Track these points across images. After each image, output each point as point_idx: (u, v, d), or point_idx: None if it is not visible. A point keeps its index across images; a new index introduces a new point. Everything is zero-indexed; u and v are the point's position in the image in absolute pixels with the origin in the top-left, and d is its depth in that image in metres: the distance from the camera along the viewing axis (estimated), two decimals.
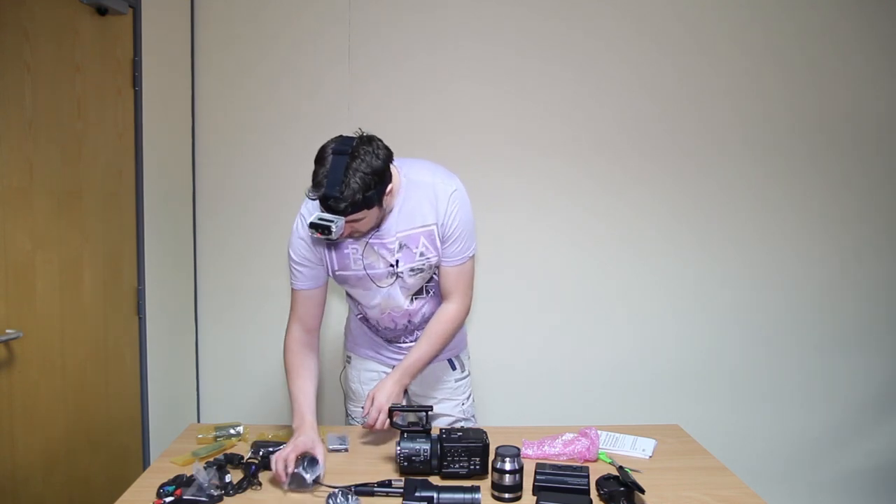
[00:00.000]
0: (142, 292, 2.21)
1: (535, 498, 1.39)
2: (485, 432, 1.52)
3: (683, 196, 2.65)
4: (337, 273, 1.71)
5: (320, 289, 1.74)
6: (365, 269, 1.68)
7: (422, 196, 1.66)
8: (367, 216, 1.54)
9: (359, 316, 1.89)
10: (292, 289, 1.75)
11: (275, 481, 1.45)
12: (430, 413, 1.56)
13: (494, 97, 2.57)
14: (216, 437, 1.70)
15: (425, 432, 1.52)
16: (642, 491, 1.39)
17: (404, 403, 1.90)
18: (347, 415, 1.99)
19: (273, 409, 2.62)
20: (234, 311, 2.63)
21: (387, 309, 1.76)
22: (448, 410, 1.90)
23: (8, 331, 1.62)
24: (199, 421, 2.63)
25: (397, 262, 1.67)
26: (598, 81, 2.59)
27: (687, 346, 2.69)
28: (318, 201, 1.49)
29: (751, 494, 1.47)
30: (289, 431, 1.72)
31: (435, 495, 1.35)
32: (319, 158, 1.52)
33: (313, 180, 1.49)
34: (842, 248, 2.69)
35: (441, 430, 1.54)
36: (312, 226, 1.47)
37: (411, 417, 1.62)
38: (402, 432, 1.52)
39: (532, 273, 2.63)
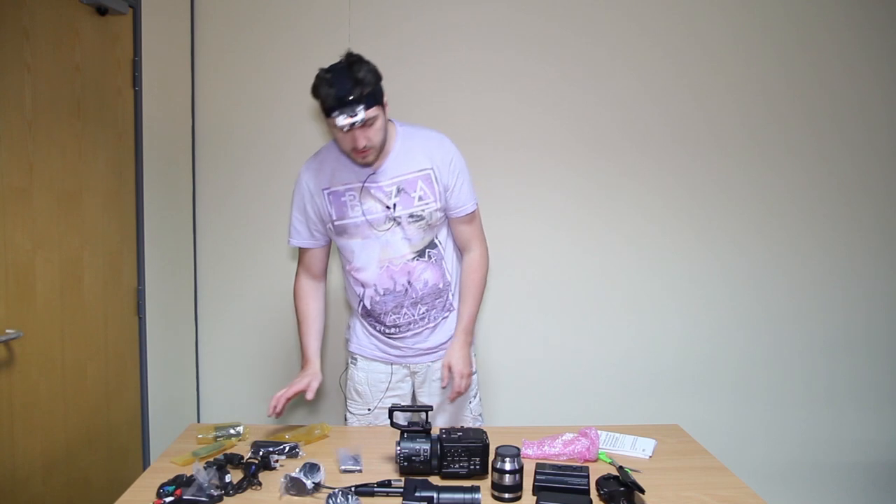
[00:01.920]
0: (142, 292, 2.21)
1: (535, 498, 1.39)
2: (485, 432, 1.52)
3: (685, 195, 2.65)
4: (336, 223, 1.76)
5: (322, 248, 1.86)
6: (363, 213, 1.73)
7: (415, 144, 1.76)
8: (378, 119, 1.62)
9: (360, 310, 1.89)
10: (292, 244, 1.87)
11: (275, 481, 1.45)
12: (428, 412, 1.56)
13: (494, 98, 2.57)
14: (216, 437, 1.70)
15: (425, 432, 1.52)
16: (642, 491, 1.39)
17: (407, 402, 1.93)
18: (346, 420, 1.98)
19: None
20: (234, 311, 2.63)
21: (385, 260, 1.76)
22: (455, 409, 1.92)
23: (8, 331, 1.62)
24: (199, 421, 2.63)
25: (395, 206, 1.73)
26: (599, 81, 2.59)
27: (687, 346, 2.69)
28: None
29: (751, 494, 1.47)
30: (288, 430, 1.73)
31: (435, 495, 1.35)
32: (319, 80, 1.62)
33: (323, 95, 1.59)
34: (844, 249, 2.69)
35: (441, 429, 1.54)
36: (343, 119, 1.56)
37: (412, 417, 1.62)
38: (402, 432, 1.52)
39: (532, 273, 2.63)
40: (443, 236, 1.85)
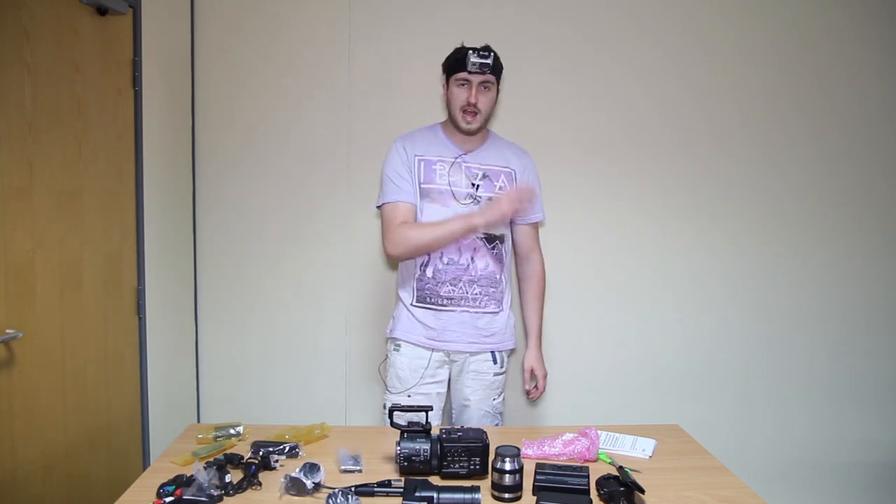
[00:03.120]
0: (142, 292, 2.21)
1: (535, 498, 1.39)
2: (485, 432, 1.52)
3: (685, 195, 2.65)
4: (423, 186, 1.92)
5: (414, 206, 1.93)
6: (450, 184, 1.92)
7: (504, 146, 2.05)
8: (493, 91, 1.92)
9: (416, 287, 1.96)
10: (387, 204, 1.93)
11: (275, 481, 1.45)
12: (428, 412, 1.56)
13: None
14: (216, 437, 1.70)
15: (425, 432, 1.52)
16: (642, 491, 1.39)
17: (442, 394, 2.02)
18: (384, 407, 2.01)
19: (273, 409, 2.62)
20: (234, 311, 2.63)
21: None
22: (479, 404, 2.02)
23: (8, 331, 1.62)
24: (199, 421, 2.63)
25: (478, 186, 1.94)
26: (598, 81, 2.59)
27: (688, 346, 2.69)
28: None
29: (751, 494, 1.47)
30: (288, 430, 1.73)
31: (435, 495, 1.35)
32: (462, 46, 1.91)
33: (457, 50, 1.89)
34: (844, 249, 2.69)
35: (441, 429, 1.55)
36: (476, 58, 1.83)
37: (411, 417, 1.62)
38: (402, 432, 1.52)
39: None
40: (507, 243, 2.04)
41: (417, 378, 1.97)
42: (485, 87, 1.90)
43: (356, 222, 2.60)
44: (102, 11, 1.97)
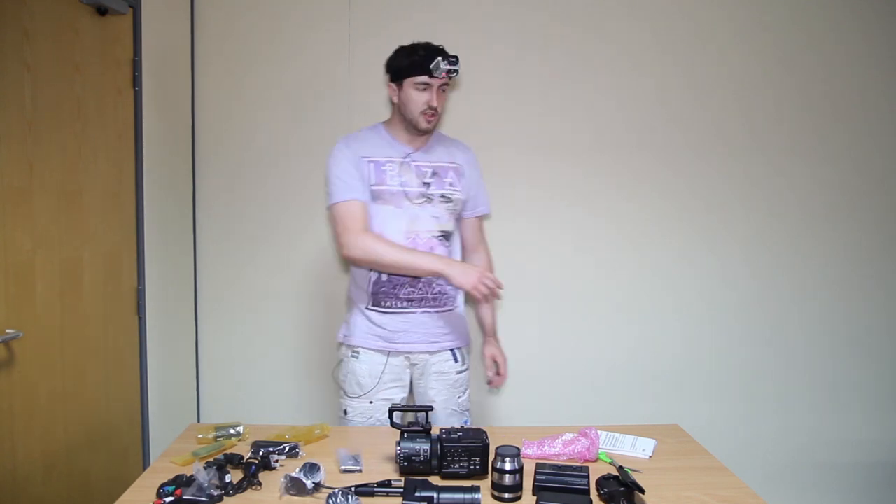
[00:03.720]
0: (142, 292, 2.21)
1: (535, 498, 1.39)
2: (485, 432, 1.52)
3: (687, 195, 2.65)
4: (374, 187, 1.90)
5: (367, 204, 1.89)
6: (401, 184, 1.90)
7: (450, 142, 2.05)
8: (447, 92, 1.95)
9: (371, 291, 1.93)
10: (340, 202, 1.89)
11: (275, 481, 1.45)
12: (428, 412, 1.56)
13: (495, 96, 2.57)
14: (216, 437, 1.70)
15: (425, 432, 1.52)
16: (642, 491, 1.39)
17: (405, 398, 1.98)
18: (345, 413, 1.99)
19: (273, 409, 2.62)
20: (234, 311, 2.63)
21: (413, 232, 1.90)
22: (445, 404, 1.99)
23: (8, 331, 1.62)
24: (199, 421, 2.63)
25: (429, 184, 1.93)
26: (602, 80, 2.59)
27: (688, 346, 2.69)
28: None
29: (751, 494, 1.47)
30: (288, 430, 1.72)
31: (435, 495, 1.35)
32: (409, 45, 1.89)
33: (422, 49, 1.86)
34: (847, 249, 2.69)
35: (441, 429, 1.54)
36: (445, 65, 1.83)
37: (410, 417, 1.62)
38: (402, 432, 1.52)
39: (532, 272, 2.63)
40: (455, 240, 2.04)
41: (376, 383, 1.94)
42: (442, 90, 1.91)
43: None
44: (102, 11, 1.97)
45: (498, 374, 2.08)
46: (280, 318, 2.63)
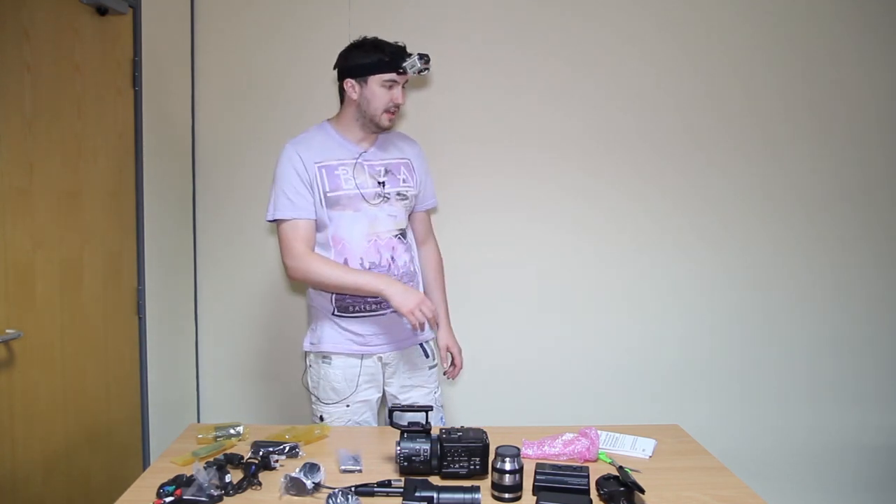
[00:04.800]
0: (142, 292, 2.21)
1: (535, 498, 1.39)
2: (485, 432, 1.52)
3: (687, 195, 2.65)
4: (329, 195, 1.85)
5: (313, 222, 1.87)
6: (357, 186, 1.87)
7: (393, 137, 2.02)
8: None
9: (335, 299, 1.90)
10: (284, 222, 1.86)
11: (275, 481, 1.45)
12: (430, 412, 1.56)
13: (496, 95, 2.57)
14: (216, 437, 1.69)
15: (425, 432, 1.52)
16: (642, 491, 1.39)
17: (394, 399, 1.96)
18: (321, 419, 1.96)
19: (273, 409, 2.62)
20: (234, 311, 2.63)
21: (373, 234, 1.88)
22: (420, 399, 2.00)
23: (8, 331, 1.62)
24: (199, 421, 2.63)
25: (384, 183, 1.91)
26: (603, 78, 2.59)
27: (688, 346, 2.69)
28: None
29: (751, 494, 1.47)
30: (288, 430, 1.73)
31: (435, 495, 1.35)
32: (375, 40, 1.85)
33: (393, 46, 1.83)
34: (847, 248, 2.69)
35: (441, 429, 1.54)
36: (421, 63, 1.81)
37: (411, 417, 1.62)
38: (402, 432, 1.52)
39: (532, 272, 2.63)
40: (410, 236, 2.03)
41: (354, 387, 1.92)
42: (404, 87, 1.89)
43: None
44: (102, 11, 1.97)
45: (453, 364, 2.09)
46: (280, 318, 2.63)
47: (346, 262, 1.87)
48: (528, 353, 2.66)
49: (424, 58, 1.81)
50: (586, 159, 2.61)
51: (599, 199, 2.63)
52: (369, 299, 1.88)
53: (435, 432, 1.53)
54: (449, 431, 1.52)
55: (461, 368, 2.10)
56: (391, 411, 1.59)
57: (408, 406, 1.72)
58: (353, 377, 1.92)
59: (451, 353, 2.09)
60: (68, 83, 1.85)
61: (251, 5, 2.54)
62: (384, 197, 1.90)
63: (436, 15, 2.54)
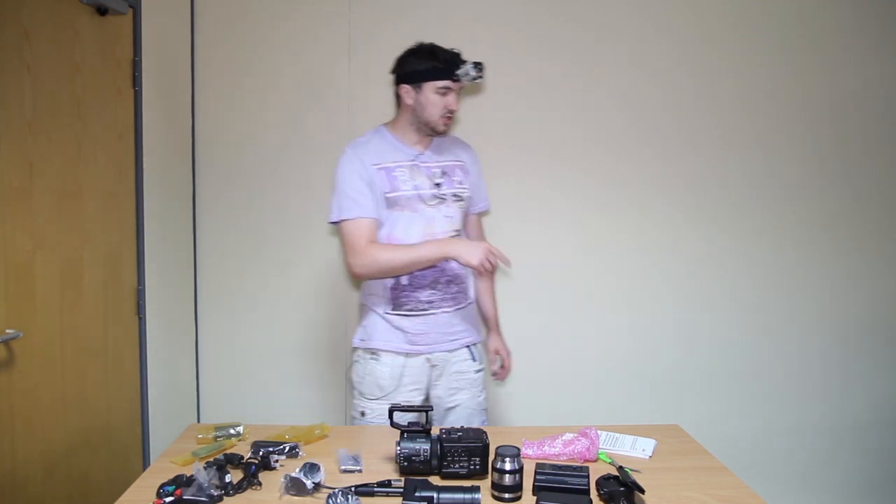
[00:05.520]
0: (142, 292, 2.21)
1: (535, 498, 1.39)
2: (485, 432, 1.52)
3: (686, 195, 2.65)
4: (389, 195, 1.89)
5: (375, 220, 1.89)
6: (415, 188, 1.91)
7: (450, 141, 2.06)
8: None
9: (389, 296, 1.93)
10: (348, 221, 1.87)
11: (275, 481, 1.45)
12: (429, 413, 1.56)
13: (496, 96, 2.57)
14: (216, 437, 1.70)
15: (425, 432, 1.52)
16: (642, 491, 1.39)
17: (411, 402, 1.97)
18: (363, 415, 1.98)
19: (273, 409, 2.62)
20: (234, 311, 2.63)
21: (429, 235, 1.91)
22: (466, 402, 2.02)
23: (8, 331, 1.62)
24: (199, 421, 2.63)
25: (440, 184, 1.94)
26: (603, 79, 2.59)
27: (687, 346, 2.69)
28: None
29: (751, 494, 1.47)
30: (288, 430, 1.72)
31: (435, 495, 1.35)
32: (431, 46, 1.90)
33: (449, 53, 1.88)
34: (846, 250, 2.69)
35: (441, 429, 1.55)
36: (474, 72, 1.86)
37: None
38: (402, 432, 1.52)
39: (532, 272, 2.63)
40: (463, 234, 2.05)
41: (398, 385, 1.95)
42: (458, 93, 1.93)
43: None
44: (102, 11, 1.97)
45: (502, 366, 2.15)
46: (280, 318, 2.63)
47: (399, 284, 1.93)
48: (529, 354, 2.64)
49: (478, 66, 1.86)
50: (586, 160, 2.61)
51: (598, 200, 2.63)
52: (422, 297, 1.93)
53: (435, 432, 1.53)
54: (449, 431, 1.52)
55: (510, 371, 2.16)
56: (391, 411, 1.60)
57: (408, 406, 1.72)
58: (399, 375, 1.95)
59: (501, 356, 2.15)
60: (68, 83, 1.85)
61: (251, 5, 2.54)
62: (440, 198, 1.94)
63: (436, 15, 2.54)
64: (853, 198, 2.68)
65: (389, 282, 1.94)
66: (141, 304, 2.20)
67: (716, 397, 2.70)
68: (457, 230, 1.98)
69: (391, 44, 2.53)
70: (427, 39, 2.53)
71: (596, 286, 2.66)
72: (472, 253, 1.81)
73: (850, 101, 2.65)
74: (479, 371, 2.06)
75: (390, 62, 2.55)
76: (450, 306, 1.97)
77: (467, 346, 2.03)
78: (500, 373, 2.17)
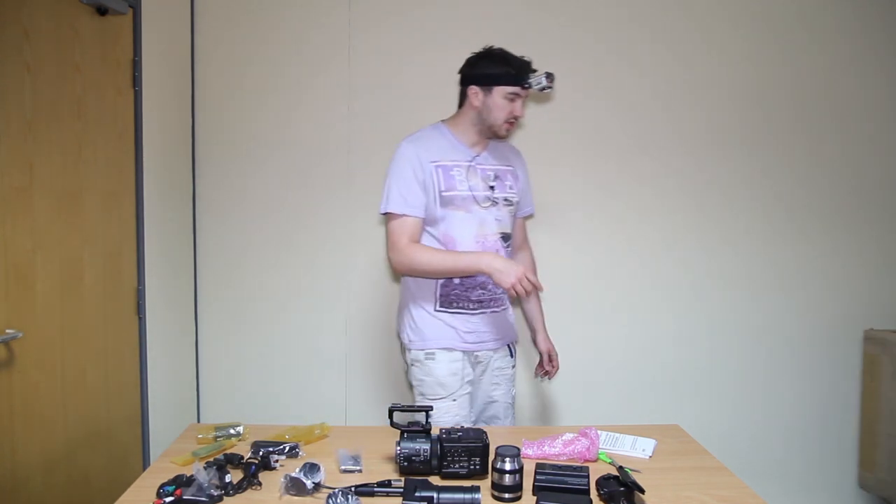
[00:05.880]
0: (142, 292, 2.21)
1: (535, 498, 1.39)
2: (485, 432, 1.52)
3: (684, 196, 2.65)
4: (444, 194, 1.91)
5: (420, 220, 1.92)
6: (470, 189, 1.93)
7: (503, 146, 2.10)
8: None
9: (440, 295, 1.95)
10: (394, 217, 1.90)
11: (275, 481, 1.45)
12: (430, 412, 1.57)
13: None
14: (216, 437, 1.70)
15: (425, 432, 1.52)
16: (642, 491, 1.39)
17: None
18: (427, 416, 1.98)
19: (273, 409, 2.62)
20: (234, 310, 2.63)
21: (481, 236, 1.95)
22: (500, 397, 2.09)
23: (8, 331, 1.62)
24: (199, 421, 2.63)
25: (494, 188, 1.97)
26: (600, 80, 2.60)
27: (687, 346, 2.69)
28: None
29: (751, 494, 1.47)
30: (288, 430, 1.73)
31: (435, 495, 1.35)
32: (501, 51, 1.92)
33: (521, 60, 1.90)
34: (843, 250, 2.69)
35: (441, 429, 1.55)
36: (545, 81, 1.87)
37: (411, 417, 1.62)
38: (402, 432, 1.52)
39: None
40: (511, 241, 2.08)
41: (460, 381, 1.97)
42: (524, 100, 1.95)
43: (356, 222, 2.60)
44: (102, 11, 1.97)
45: (553, 365, 2.22)
46: (280, 318, 2.63)
47: (451, 289, 1.96)
48: (529, 354, 2.66)
49: (550, 76, 1.87)
50: (583, 162, 2.62)
51: (597, 200, 2.64)
52: (472, 297, 1.96)
53: (435, 432, 1.53)
54: (449, 431, 1.52)
55: (558, 369, 2.23)
56: (391, 411, 1.59)
57: (408, 406, 1.72)
58: (458, 371, 1.98)
59: (551, 355, 2.22)
60: (68, 83, 1.85)
61: (251, 5, 2.54)
62: (493, 201, 1.97)
63: (436, 16, 2.54)
64: (853, 199, 2.68)
65: (440, 279, 1.96)
66: (141, 304, 2.20)
67: (716, 397, 2.70)
68: (505, 233, 2.00)
69: (391, 44, 2.56)
70: (426, 38, 2.55)
71: (595, 286, 2.66)
72: (506, 274, 1.81)
73: (848, 102, 2.65)
74: (513, 367, 2.14)
75: (390, 62, 2.57)
76: (498, 306, 2.03)
77: (507, 344, 2.10)
78: (551, 371, 2.22)
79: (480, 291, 1.97)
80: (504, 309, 2.07)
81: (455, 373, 1.97)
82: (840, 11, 2.61)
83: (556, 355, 2.23)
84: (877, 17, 2.62)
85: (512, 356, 2.12)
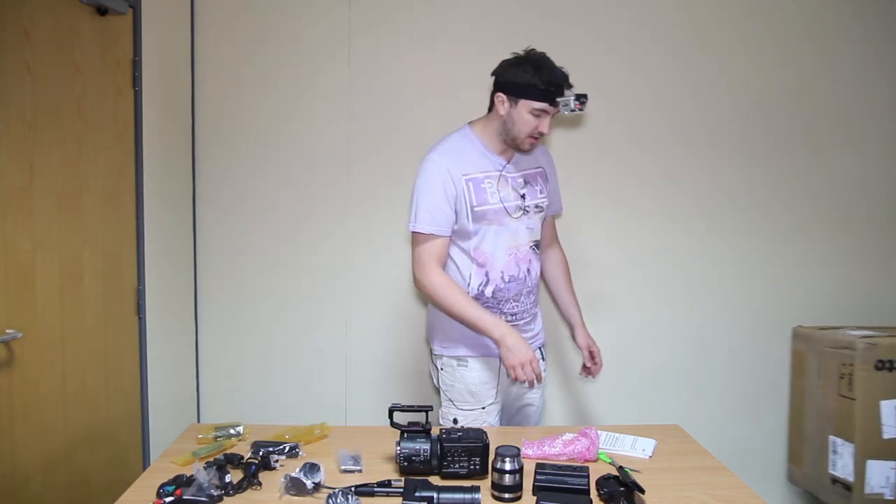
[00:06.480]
0: (142, 292, 2.21)
1: (535, 498, 1.39)
2: (485, 432, 1.52)
3: (682, 197, 2.65)
4: (476, 209, 1.84)
5: (448, 239, 1.87)
6: (501, 200, 1.86)
7: None
8: None
9: (474, 293, 1.89)
10: (421, 235, 1.84)
11: (275, 481, 1.45)
12: (430, 412, 1.56)
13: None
14: (216, 437, 1.70)
15: (425, 432, 1.52)
16: (642, 491, 1.39)
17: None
18: (455, 422, 1.94)
19: (273, 409, 2.62)
20: (233, 310, 2.63)
21: (513, 248, 1.90)
22: (534, 400, 2.07)
23: (8, 331, 1.62)
24: (199, 421, 2.63)
25: (524, 195, 1.91)
26: (600, 80, 2.59)
27: (688, 345, 2.69)
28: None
29: (751, 494, 1.47)
30: (288, 430, 1.73)
31: (435, 495, 1.35)
32: (541, 61, 1.81)
33: (556, 76, 1.79)
34: (842, 251, 2.69)
35: (441, 429, 1.55)
36: (574, 102, 1.76)
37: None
38: (402, 432, 1.52)
39: None
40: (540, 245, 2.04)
41: (493, 391, 1.93)
42: (553, 117, 1.86)
43: (356, 222, 2.60)
44: (102, 11, 1.97)
45: (595, 361, 2.13)
46: (280, 318, 2.63)
47: (486, 276, 1.89)
48: None
49: (581, 98, 1.77)
50: (582, 161, 2.61)
51: (597, 200, 2.63)
52: (505, 310, 1.92)
53: (435, 432, 1.53)
54: (449, 431, 1.52)
55: (601, 366, 2.13)
56: (391, 411, 1.59)
57: (408, 406, 1.72)
58: (489, 379, 1.93)
59: (592, 352, 2.12)
60: (68, 83, 1.85)
61: (251, 5, 2.54)
62: (524, 210, 1.92)
63: (435, 16, 2.54)
64: (854, 200, 2.68)
65: (472, 291, 1.90)
66: (141, 304, 2.20)
67: (716, 397, 2.70)
68: (536, 240, 1.97)
69: (391, 44, 2.56)
70: (426, 37, 2.55)
71: (595, 286, 2.66)
72: (514, 355, 1.77)
73: (847, 103, 2.64)
74: (545, 371, 2.08)
75: (391, 61, 2.57)
76: (530, 316, 1.99)
77: (539, 348, 2.05)
78: (593, 368, 2.13)
79: (513, 304, 1.93)
80: (535, 316, 2.03)
81: (485, 381, 1.93)
82: (840, 12, 2.61)
83: (598, 351, 2.12)
84: (877, 18, 2.62)
85: (543, 359, 2.07)
